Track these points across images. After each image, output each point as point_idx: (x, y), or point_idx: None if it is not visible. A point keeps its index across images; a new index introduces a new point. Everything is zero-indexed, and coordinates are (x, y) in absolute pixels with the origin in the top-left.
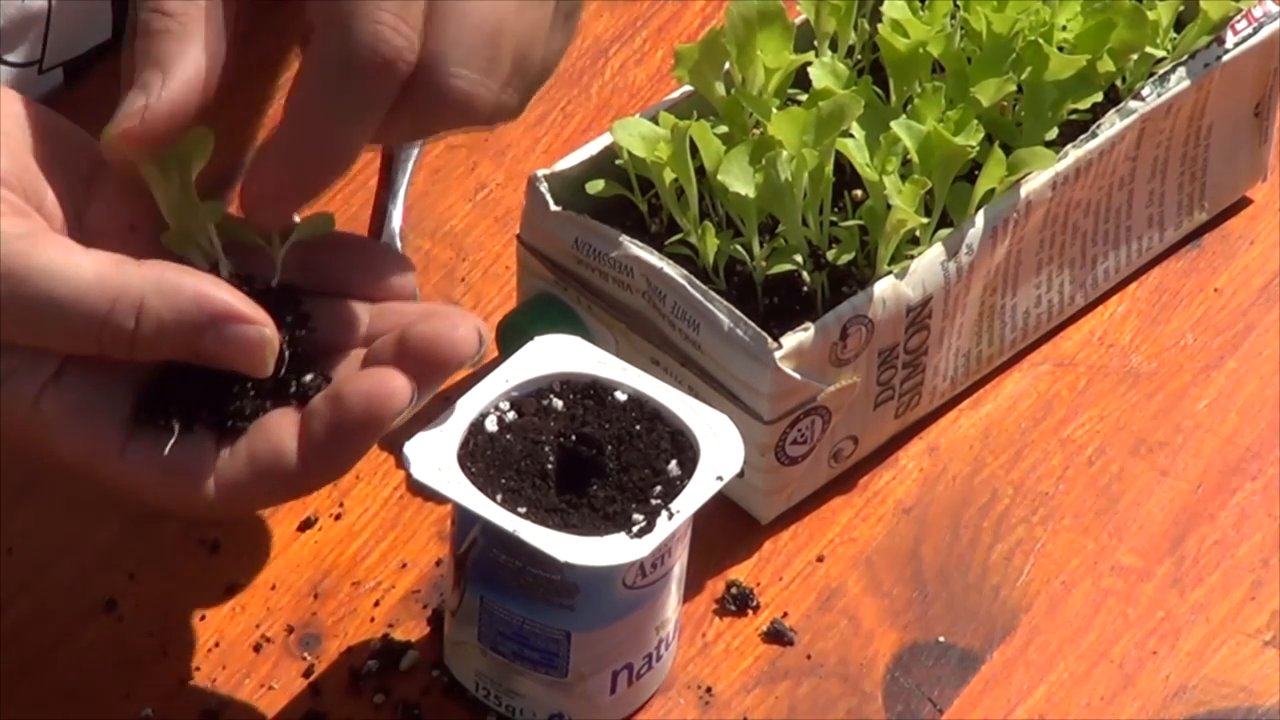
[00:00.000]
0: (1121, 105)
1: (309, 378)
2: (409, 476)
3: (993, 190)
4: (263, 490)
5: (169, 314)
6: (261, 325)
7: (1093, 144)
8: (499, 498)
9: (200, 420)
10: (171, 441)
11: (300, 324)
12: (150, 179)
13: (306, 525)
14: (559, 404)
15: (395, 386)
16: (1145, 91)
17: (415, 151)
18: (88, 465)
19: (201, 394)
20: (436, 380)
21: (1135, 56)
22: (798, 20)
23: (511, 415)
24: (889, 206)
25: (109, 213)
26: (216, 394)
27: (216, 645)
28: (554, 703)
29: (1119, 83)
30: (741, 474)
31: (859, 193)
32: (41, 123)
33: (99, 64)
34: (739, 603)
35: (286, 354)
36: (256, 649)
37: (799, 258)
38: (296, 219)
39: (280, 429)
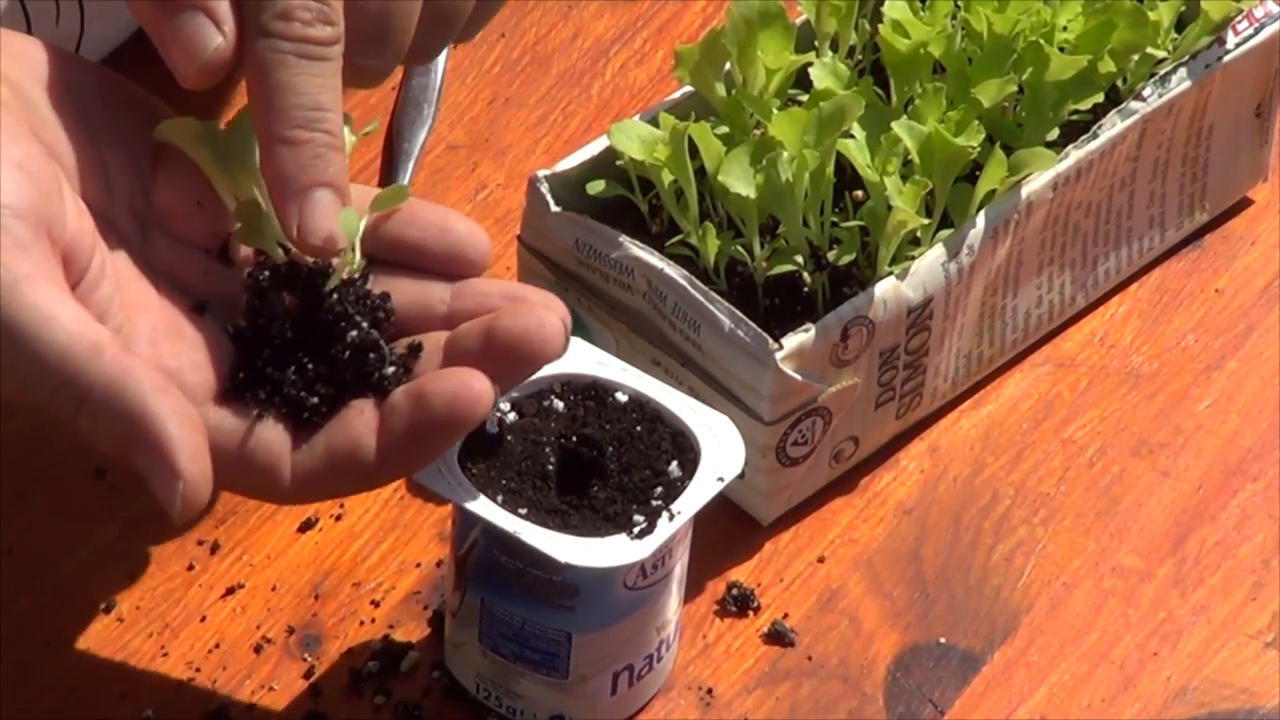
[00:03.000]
0: (1122, 106)
1: (390, 371)
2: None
3: (994, 191)
4: (336, 483)
5: (104, 419)
6: (178, 479)
7: (1094, 145)
8: (499, 499)
9: (278, 411)
10: (247, 432)
11: (381, 316)
12: (209, 174)
13: (307, 526)
14: (559, 405)
15: (479, 390)
16: (1146, 92)
17: (416, 150)
18: None
19: (280, 384)
20: (521, 377)
21: (1136, 57)
22: (798, 21)
23: (512, 416)
24: (890, 207)
25: (175, 187)
26: (295, 385)
27: (217, 646)
28: (555, 704)
29: (1120, 83)
30: (742, 475)
31: (860, 193)
32: (105, 94)
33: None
34: (740, 604)
35: (386, 352)
36: (257, 650)
37: (800, 258)
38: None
39: (359, 423)
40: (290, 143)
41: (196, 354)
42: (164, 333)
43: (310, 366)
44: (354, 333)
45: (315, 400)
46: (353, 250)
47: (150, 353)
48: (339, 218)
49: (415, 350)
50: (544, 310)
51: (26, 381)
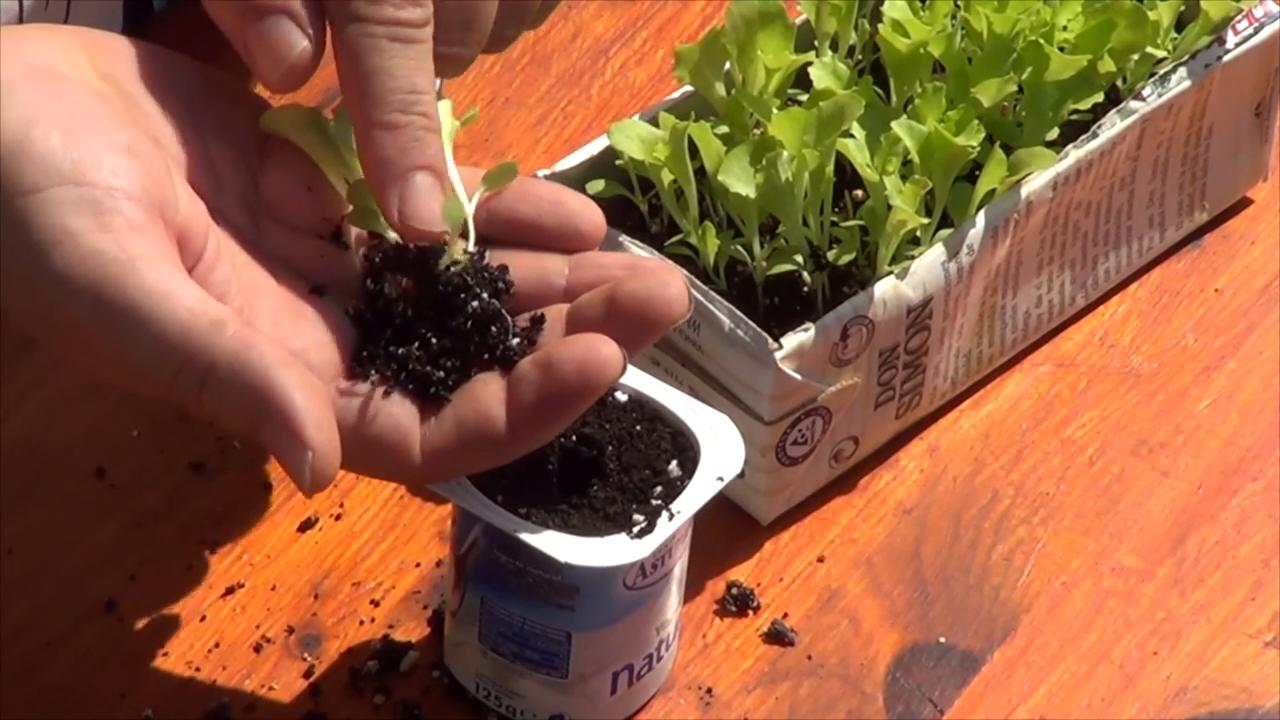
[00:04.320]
0: (1122, 105)
1: (515, 342)
2: None
3: (993, 190)
4: (468, 457)
5: (229, 395)
6: (308, 450)
7: (1093, 144)
8: (500, 498)
9: (404, 388)
10: (375, 409)
11: (501, 287)
12: (319, 159)
13: (307, 526)
14: None
15: (608, 354)
16: (1146, 92)
17: None
18: None
19: (405, 360)
20: (647, 342)
21: (1136, 57)
22: (798, 20)
23: None
24: (890, 207)
25: (285, 175)
26: (420, 359)
27: (217, 646)
28: (554, 703)
29: (1120, 83)
30: (742, 474)
31: (859, 193)
32: (204, 88)
33: None
34: (739, 603)
35: (509, 322)
36: (257, 649)
37: (799, 258)
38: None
39: (487, 395)
40: (388, 127)
41: (319, 333)
42: (285, 313)
43: (434, 341)
44: (475, 304)
45: (441, 374)
46: (465, 229)
47: (273, 333)
48: (440, 200)
49: (538, 322)
50: (666, 273)
51: (148, 362)
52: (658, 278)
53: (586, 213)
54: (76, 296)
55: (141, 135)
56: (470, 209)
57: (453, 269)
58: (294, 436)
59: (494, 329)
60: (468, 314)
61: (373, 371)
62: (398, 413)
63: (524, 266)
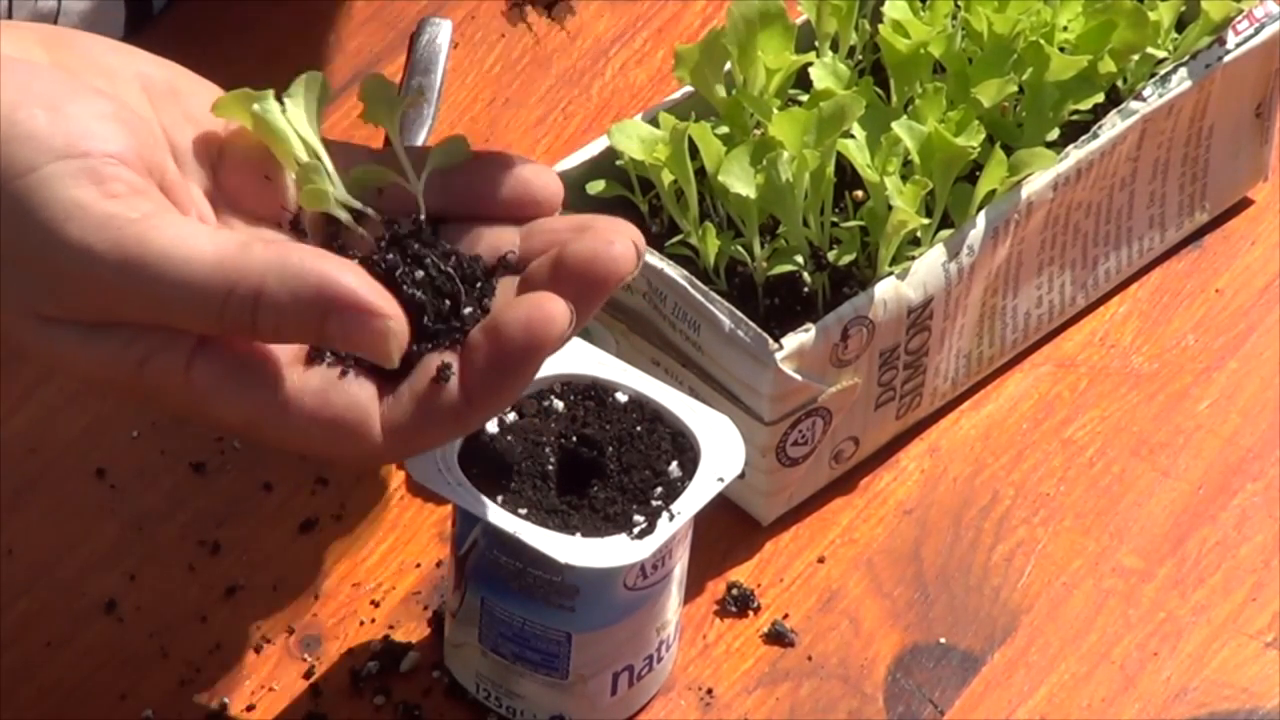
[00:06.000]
0: (1123, 106)
1: (466, 311)
2: (409, 477)
3: (994, 191)
4: (429, 430)
5: (288, 301)
6: (386, 318)
7: (1094, 145)
8: (500, 499)
9: (359, 366)
10: (333, 390)
11: (453, 260)
12: (270, 143)
13: (307, 526)
14: (559, 405)
15: (553, 311)
16: (1146, 92)
17: (424, 132)
18: (251, 426)
19: None
20: (597, 300)
21: (1136, 57)
22: (799, 21)
23: (512, 416)
24: (890, 207)
25: (243, 165)
26: None
27: (217, 646)
28: (555, 704)
29: (1120, 83)
30: (743, 475)
31: (860, 193)
32: (168, 79)
33: None
34: (740, 604)
35: (461, 294)
36: (257, 650)
37: (800, 259)
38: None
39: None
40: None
41: None
42: None
43: None
44: (420, 273)
45: None
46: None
47: None
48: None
49: (488, 292)
50: (612, 232)
51: (190, 304)
52: (603, 236)
53: (539, 178)
54: (101, 261)
55: (122, 104)
56: (420, 186)
57: (404, 244)
58: (366, 313)
59: (446, 301)
60: (418, 286)
61: (328, 353)
62: (356, 392)
63: (477, 240)
